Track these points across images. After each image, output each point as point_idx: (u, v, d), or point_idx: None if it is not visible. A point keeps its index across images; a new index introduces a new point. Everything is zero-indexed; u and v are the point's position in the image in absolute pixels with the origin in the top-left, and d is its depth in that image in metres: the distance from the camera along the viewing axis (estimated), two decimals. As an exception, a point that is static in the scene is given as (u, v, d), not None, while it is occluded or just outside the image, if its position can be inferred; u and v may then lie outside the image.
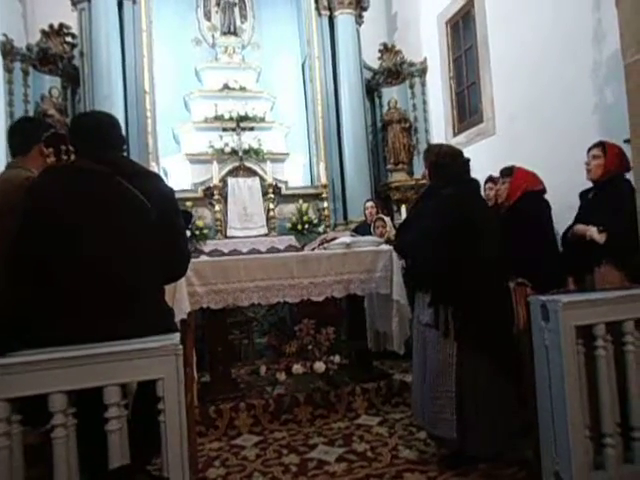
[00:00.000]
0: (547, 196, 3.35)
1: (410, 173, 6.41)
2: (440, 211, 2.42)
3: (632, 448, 1.97)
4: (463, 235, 2.33)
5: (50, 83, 5.46)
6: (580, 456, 1.88)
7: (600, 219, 2.76)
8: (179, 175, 5.90)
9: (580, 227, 2.86)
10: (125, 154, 1.91)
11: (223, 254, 5.14)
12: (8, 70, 5.16)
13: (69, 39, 5.66)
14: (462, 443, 2.31)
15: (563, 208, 3.18)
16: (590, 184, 3.01)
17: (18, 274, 1.59)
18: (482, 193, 3.13)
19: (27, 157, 2.07)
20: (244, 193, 5.85)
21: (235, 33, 6.61)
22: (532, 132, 4.36)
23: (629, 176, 2.83)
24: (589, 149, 2.97)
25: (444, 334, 2.34)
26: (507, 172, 3.38)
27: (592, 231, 2.77)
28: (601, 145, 2.92)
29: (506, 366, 2.31)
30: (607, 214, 2.71)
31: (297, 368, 3.35)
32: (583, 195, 3.04)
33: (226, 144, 5.92)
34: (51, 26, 5.52)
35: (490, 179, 3.94)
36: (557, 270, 3.04)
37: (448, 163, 2.53)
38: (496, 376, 2.30)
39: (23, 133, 2.14)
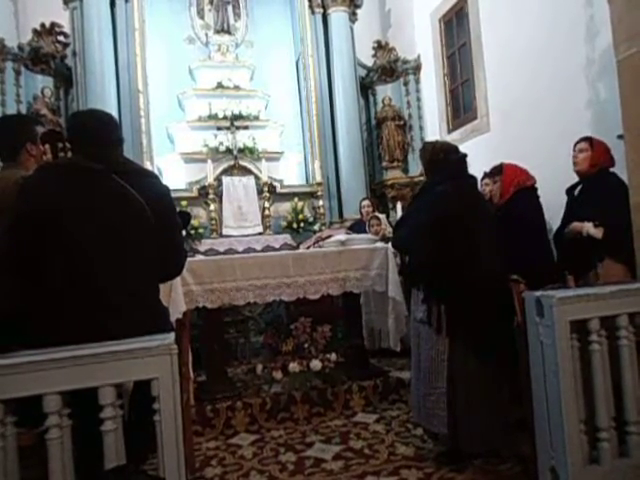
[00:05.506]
0: (540, 192, 3.35)
1: (405, 170, 6.41)
2: (430, 206, 2.43)
3: (627, 442, 1.98)
4: (452, 230, 2.34)
5: (42, 83, 5.41)
6: (575, 450, 1.89)
7: (591, 213, 2.77)
8: (173, 174, 5.87)
9: (575, 225, 2.87)
10: (123, 153, 1.89)
11: (218, 253, 5.16)
12: (-1, 70, 5.12)
13: (61, 38, 5.61)
14: (454, 439, 2.32)
15: (557, 203, 3.19)
16: (575, 178, 3.04)
17: (9, 273, 1.58)
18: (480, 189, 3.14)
19: (17, 162, 2.03)
20: (239, 192, 5.84)
21: (229, 31, 6.58)
22: (526, 128, 4.36)
23: (614, 170, 2.86)
24: (576, 143, 3.01)
25: (436, 330, 2.35)
26: (497, 171, 3.37)
27: (588, 227, 2.77)
28: (588, 140, 2.97)
29: (499, 363, 2.31)
30: (598, 208, 2.73)
31: (293, 366, 3.34)
32: (569, 191, 3.07)
33: (220, 143, 5.90)
34: (43, 25, 5.47)
35: (486, 175, 3.93)
36: (551, 266, 3.05)
37: (442, 159, 2.54)
38: (488, 373, 2.31)
39: (4, 144, 2.05)
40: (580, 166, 2.96)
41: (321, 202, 6.00)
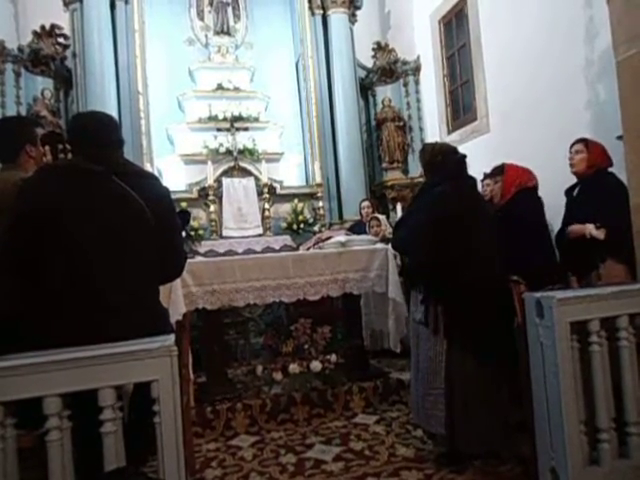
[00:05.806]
0: (541, 192, 3.35)
1: (405, 171, 6.41)
2: (429, 206, 2.44)
3: (627, 443, 1.98)
4: (451, 230, 2.34)
5: (42, 84, 5.41)
6: (575, 451, 1.89)
7: (590, 214, 2.77)
8: (173, 176, 5.87)
9: (577, 227, 2.87)
10: (123, 154, 1.89)
11: (218, 254, 5.15)
12: (-1, 72, 5.12)
13: (61, 40, 5.61)
14: (452, 439, 2.32)
15: (556, 204, 3.19)
16: (575, 179, 3.05)
17: (8, 273, 1.58)
18: (480, 190, 3.14)
19: (17, 163, 2.04)
20: (239, 193, 5.84)
21: (228, 33, 6.59)
22: (526, 129, 4.37)
23: (612, 170, 2.87)
24: (571, 145, 3.03)
25: (434, 331, 2.35)
26: (498, 171, 3.38)
27: (590, 228, 2.77)
28: (583, 141, 2.99)
29: (498, 363, 2.31)
30: (597, 208, 2.73)
31: (294, 368, 3.34)
32: (568, 192, 3.08)
33: (220, 144, 5.90)
34: (43, 27, 5.47)
35: (487, 175, 3.93)
36: (551, 267, 3.05)
37: (441, 161, 2.54)
38: (486, 373, 2.30)
39: (4, 146, 2.06)
40: (577, 167, 2.98)
41: (321, 203, 6.01)
